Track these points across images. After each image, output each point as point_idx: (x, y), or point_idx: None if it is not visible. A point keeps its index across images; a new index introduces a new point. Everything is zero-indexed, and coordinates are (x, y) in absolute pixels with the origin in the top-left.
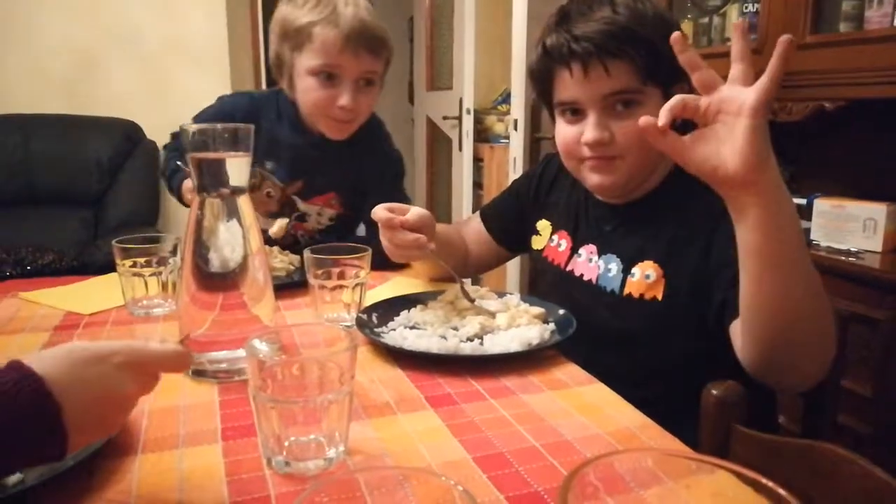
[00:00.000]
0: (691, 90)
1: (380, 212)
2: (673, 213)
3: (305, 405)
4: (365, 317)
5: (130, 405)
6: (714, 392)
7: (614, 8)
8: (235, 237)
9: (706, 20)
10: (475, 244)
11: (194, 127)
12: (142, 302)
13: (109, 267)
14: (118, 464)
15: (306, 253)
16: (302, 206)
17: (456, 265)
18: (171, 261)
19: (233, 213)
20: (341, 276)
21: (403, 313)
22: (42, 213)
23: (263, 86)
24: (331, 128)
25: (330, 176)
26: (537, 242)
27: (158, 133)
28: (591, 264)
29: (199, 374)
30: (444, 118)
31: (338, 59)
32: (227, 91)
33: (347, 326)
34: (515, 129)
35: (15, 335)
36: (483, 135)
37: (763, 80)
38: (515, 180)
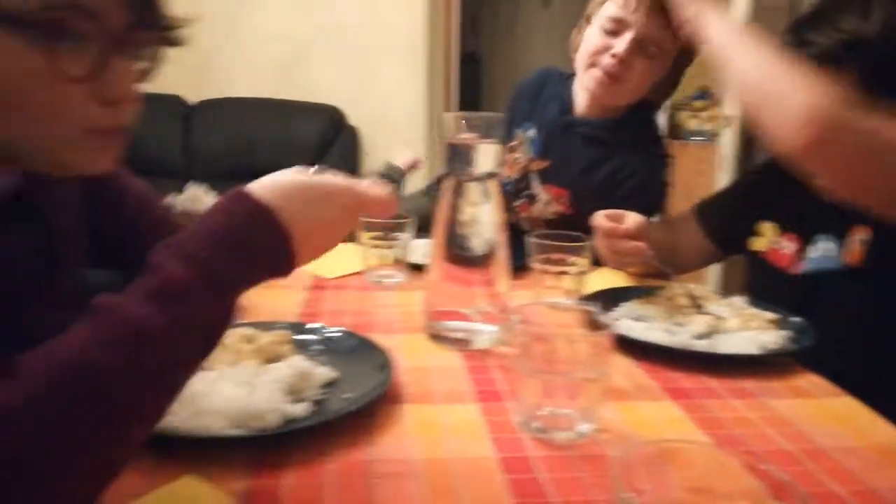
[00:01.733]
0: None
1: (600, 219)
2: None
3: (566, 379)
4: (589, 304)
5: (341, 238)
6: None
7: None
8: (484, 219)
9: None
10: (684, 243)
11: (450, 115)
12: (378, 271)
13: None
14: (390, 410)
15: (530, 238)
16: (536, 187)
17: (665, 264)
18: (401, 237)
19: (483, 196)
20: (561, 262)
21: (624, 304)
22: None
23: (453, 78)
24: (595, 80)
25: (572, 170)
26: (759, 244)
27: (360, 119)
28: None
29: (442, 340)
30: None
31: (628, 13)
32: (423, 83)
33: None
34: (728, 126)
35: (274, 289)
36: (675, 132)
37: None
38: (741, 179)
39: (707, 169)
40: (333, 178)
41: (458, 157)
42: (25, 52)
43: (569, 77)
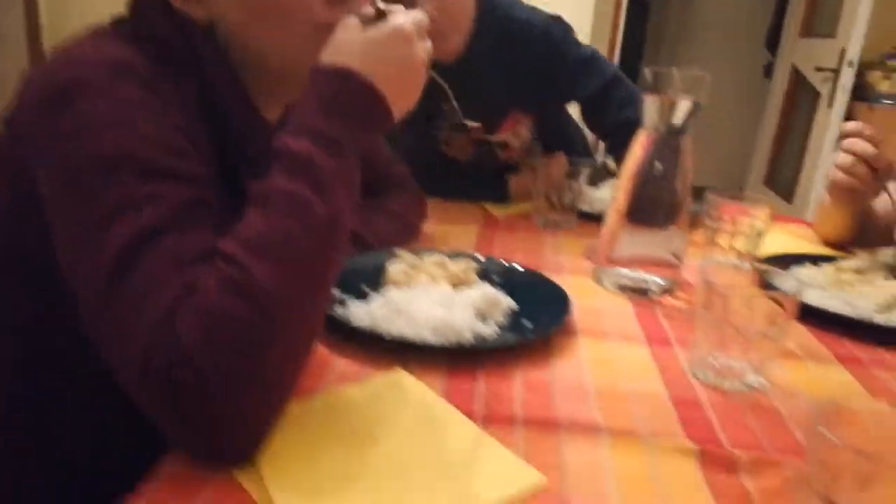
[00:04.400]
0: None
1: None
2: None
3: (741, 333)
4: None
5: (423, 71)
6: None
7: None
8: (671, 173)
9: None
10: (876, 212)
11: (650, 70)
12: (547, 215)
13: None
14: (566, 342)
15: (708, 194)
16: (494, 138)
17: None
18: (574, 184)
19: (674, 151)
20: (735, 223)
21: (796, 268)
22: None
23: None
24: None
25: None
26: None
27: None
28: None
29: (613, 286)
30: (817, 69)
31: None
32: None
33: None
34: None
35: (451, 224)
36: (860, 92)
37: None
38: None
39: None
40: (391, 21)
41: (655, 111)
42: None
43: None
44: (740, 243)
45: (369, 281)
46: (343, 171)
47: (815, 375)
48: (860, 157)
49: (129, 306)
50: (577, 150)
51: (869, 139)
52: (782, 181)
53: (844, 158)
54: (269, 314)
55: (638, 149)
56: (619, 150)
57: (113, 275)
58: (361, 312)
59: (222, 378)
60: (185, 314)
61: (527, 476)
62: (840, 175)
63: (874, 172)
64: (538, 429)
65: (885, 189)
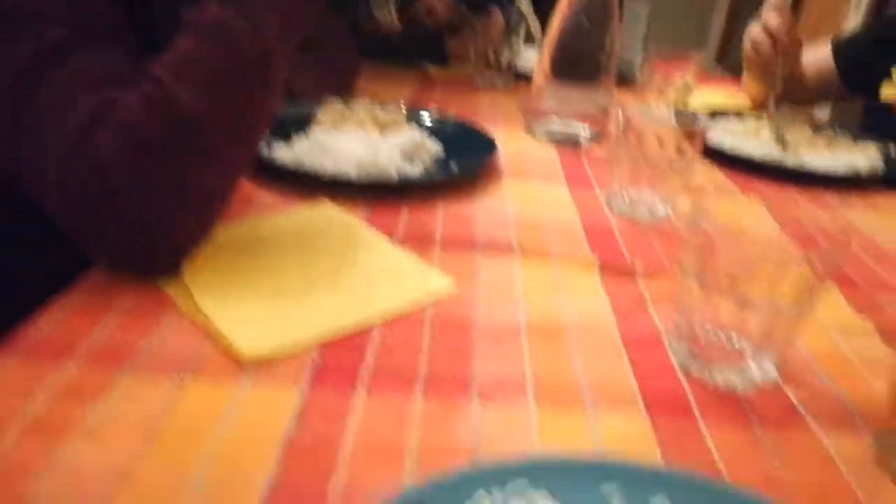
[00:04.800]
0: None
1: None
2: None
3: (651, 165)
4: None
5: None
6: None
7: None
8: (600, 29)
9: None
10: (809, 72)
11: None
12: (484, 75)
13: None
14: (491, 182)
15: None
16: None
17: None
18: (511, 44)
19: (602, 6)
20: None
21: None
22: None
23: None
24: None
25: None
26: (890, 91)
27: None
28: None
29: (541, 136)
30: None
31: None
32: None
33: None
34: None
35: (388, 81)
36: None
37: None
38: (887, 21)
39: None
40: None
41: None
42: None
43: None
44: (670, 96)
45: (296, 126)
46: (278, 5)
47: (722, 207)
48: (771, 34)
49: (44, 123)
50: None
51: (787, 19)
52: (733, 60)
53: (756, 34)
54: (190, 136)
55: (562, 5)
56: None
57: (21, 93)
58: (286, 152)
59: (139, 194)
60: (103, 129)
61: (438, 282)
62: (749, 50)
63: (784, 49)
64: (455, 249)
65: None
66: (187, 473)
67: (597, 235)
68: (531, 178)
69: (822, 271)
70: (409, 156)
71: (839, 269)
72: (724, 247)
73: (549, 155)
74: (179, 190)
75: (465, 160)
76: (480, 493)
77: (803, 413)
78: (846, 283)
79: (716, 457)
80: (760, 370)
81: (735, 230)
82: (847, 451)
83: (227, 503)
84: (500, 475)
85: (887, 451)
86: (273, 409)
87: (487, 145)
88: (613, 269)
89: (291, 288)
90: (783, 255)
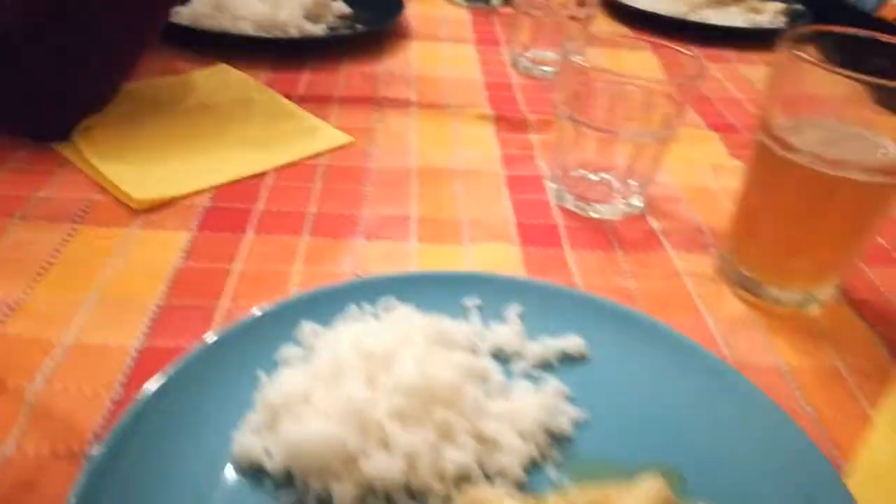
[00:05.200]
0: None
1: None
2: None
3: (553, 22)
4: None
5: None
6: None
7: None
8: None
9: None
10: None
11: None
12: None
13: None
14: (398, 42)
15: None
16: None
17: None
18: None
19: None
20: None
21: None
22: None
23: None
24: None
25: None
26: None
27: None
28: None
29: None
30: None
31: None
32: None
33: None
34: None
35: None
36: None
37: None
38: None
39: None
40: None
41: None
42: None
43: None
44: None
45: None
46: None
47: (617, 57)
48: None
49: None
50: None
51: None
52: None
53: None
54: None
55: None
56: None
57: None
58: (181, 12)
59: (31, 52)
60: None
61: (332, 135)
62: None
63: None
64: (353, 105)
65: None
66: (78, 301)
67: (497, 91)
68: (440, 40)
69: (681, 98)
70: (312, 15)
71: (697, 93)
72: (597, 87)
73: (462, 17)
74: (73, 54)
75: (371, 21)
76: (352, 307)
77: (662, 238)
78: (727, 129)
79: (574, 272)
80: (628, 203)
81: (610, 73)
82: (694, 268)
83: (117, 324)
84: (369, 290)
85: (727, 264)
86: (162, 248)
87: (396, 6)
88: (508, 122)
89: (184, 144)
90: (651, 94)
